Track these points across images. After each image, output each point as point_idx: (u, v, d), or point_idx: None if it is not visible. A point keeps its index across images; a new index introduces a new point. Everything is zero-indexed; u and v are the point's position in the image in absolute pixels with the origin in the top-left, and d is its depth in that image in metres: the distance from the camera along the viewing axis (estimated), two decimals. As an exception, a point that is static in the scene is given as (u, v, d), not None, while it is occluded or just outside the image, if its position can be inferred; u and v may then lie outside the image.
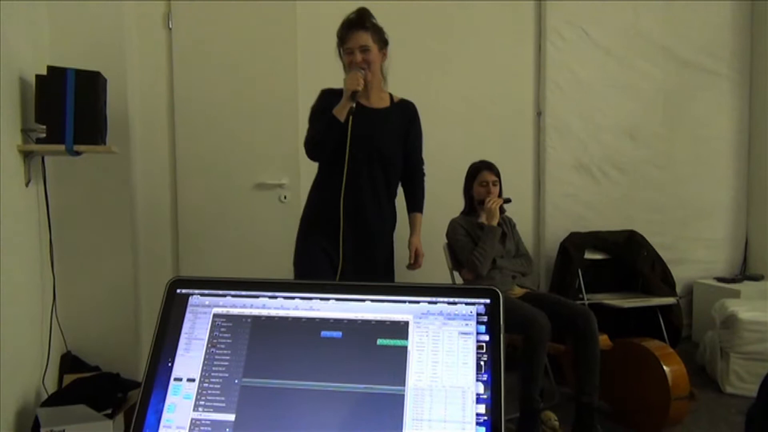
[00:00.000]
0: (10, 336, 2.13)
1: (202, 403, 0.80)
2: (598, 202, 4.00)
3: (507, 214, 3.09)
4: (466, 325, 0.82)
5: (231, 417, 0.79)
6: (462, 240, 2.92)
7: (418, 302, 0.84)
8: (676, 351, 2.82)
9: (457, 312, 0.83)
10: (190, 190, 3.30)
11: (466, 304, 0.83)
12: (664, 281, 3.69)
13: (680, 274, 3.93)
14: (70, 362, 2.65)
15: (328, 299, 0.85)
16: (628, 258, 3.73)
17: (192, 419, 0.80)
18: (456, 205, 3.07)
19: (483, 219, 2.92)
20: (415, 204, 2.57)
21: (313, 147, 2.30)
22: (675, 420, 2.66)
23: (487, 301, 0.83)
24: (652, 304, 3.48)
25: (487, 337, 0.80)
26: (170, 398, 0.81)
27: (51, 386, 2.49)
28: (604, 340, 2.74)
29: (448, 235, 3.01)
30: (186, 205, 3.31)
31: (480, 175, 2.99)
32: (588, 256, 3.73)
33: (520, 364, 2.53)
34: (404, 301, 0.84)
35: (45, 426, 2.00)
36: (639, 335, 3.07)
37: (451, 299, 0.84)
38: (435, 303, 0.83)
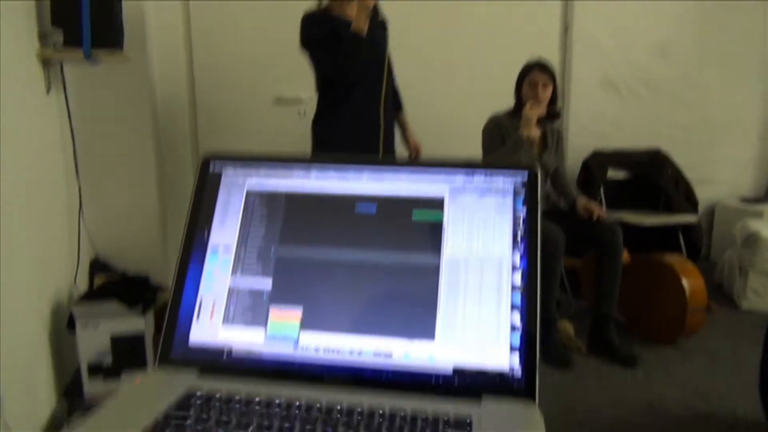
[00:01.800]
0: (39, 239, 2.18)
1: (239, 270, 0.82)
2: (623, 119, 3.90)
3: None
4: (503, 198, 0.81)
5: (268, 286, 0.81)
6: (487, 140, 2.76)
7: (453, 177, 0.83)
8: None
9: (493, 187, 0.82)
10: (209, 99, 3.27)
11: (503, 178, 0.82)
12: (687, 200, 3.65)
13: (704, 194, 3.87)
14: (99, 267, 2.72)
15: (362, 171, 0.84)
16: (651, 176, 3.68)
17: (230, 288, 0.81)
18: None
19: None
20: (400, 103, 2.76)
21: (350, 69, 2.32)
22: (691, 330, 2.69)
23: (525, 175, 0.81)
24: (672, 222, 3.46)
25: (523, 211, 0.80)
26: (207, 266, 0.83)
27: (83, 288, 2.57)
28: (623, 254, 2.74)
29: (483, 131, 2.83)
30: (205, 116, 3.29)
31: (530, 75, 2.74)
32: (611, 174, 3.68)
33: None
34: (440, 174, 0.83)
35: (80, 321, 2.07)
36: (659, 252, 3.07)
37: (488, 174, 0.82)
38: (471, 177, 0.82)
